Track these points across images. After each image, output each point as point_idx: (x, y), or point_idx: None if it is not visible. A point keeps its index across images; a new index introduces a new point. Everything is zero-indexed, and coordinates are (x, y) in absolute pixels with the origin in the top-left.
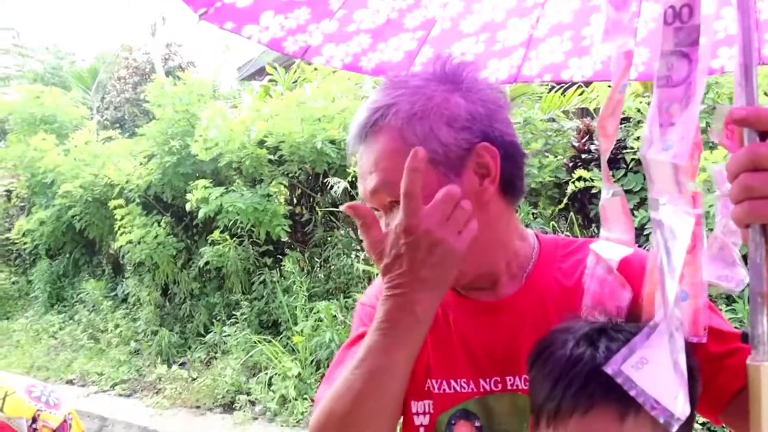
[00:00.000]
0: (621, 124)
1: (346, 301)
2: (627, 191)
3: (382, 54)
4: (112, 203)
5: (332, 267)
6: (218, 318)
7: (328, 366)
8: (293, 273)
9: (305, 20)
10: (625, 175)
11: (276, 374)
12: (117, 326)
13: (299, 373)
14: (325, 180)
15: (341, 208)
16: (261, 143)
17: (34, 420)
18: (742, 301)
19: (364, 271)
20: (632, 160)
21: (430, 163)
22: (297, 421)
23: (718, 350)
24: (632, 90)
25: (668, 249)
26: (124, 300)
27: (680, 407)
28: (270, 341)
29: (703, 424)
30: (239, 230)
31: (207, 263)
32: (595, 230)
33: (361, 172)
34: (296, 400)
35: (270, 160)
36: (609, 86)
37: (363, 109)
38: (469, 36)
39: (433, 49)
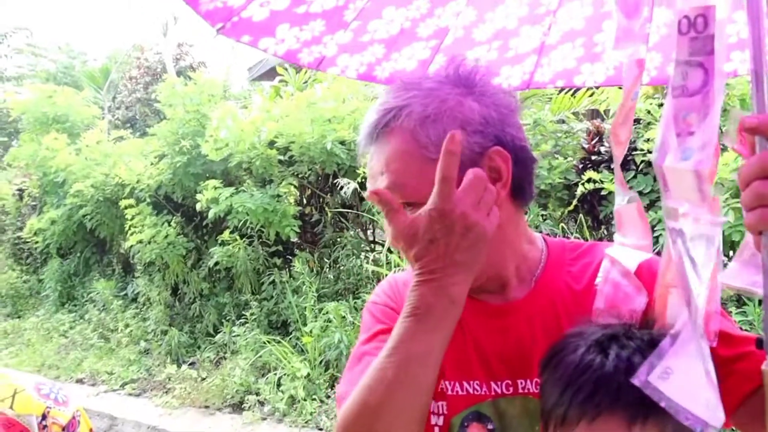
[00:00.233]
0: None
1: (355, 302)
2: (637, 193)
3: (396, 63)
4: (122, 203)
5: (341, 268)
6: (228, 318)
7: (337, 367)
8: (303, 273)
9: (320, 32)
10: (634, 176)
11: (285, 375)
12: (127, 326)
13: (308, 374)
14: (335, 181)
15: (365, 195)
16: (271, 144)
17: (44, 417)
18: (752, 303)
19: (373, 272)
20: (642, 162)
21: None
22: (306, 422)
23: (727, 354)
24: (642, 92)
25: (693, 258)
26: (134, 299)
27: (712, 415)
28: (279, 342)
29: None
30: (249, 230)
31: (217, 263)
32: (605, 232)
33: (372, 173)
34: (305, 400)
35: (280, 161)
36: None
37: (374, 110)
38: (482, 44)
39: (446, 58)
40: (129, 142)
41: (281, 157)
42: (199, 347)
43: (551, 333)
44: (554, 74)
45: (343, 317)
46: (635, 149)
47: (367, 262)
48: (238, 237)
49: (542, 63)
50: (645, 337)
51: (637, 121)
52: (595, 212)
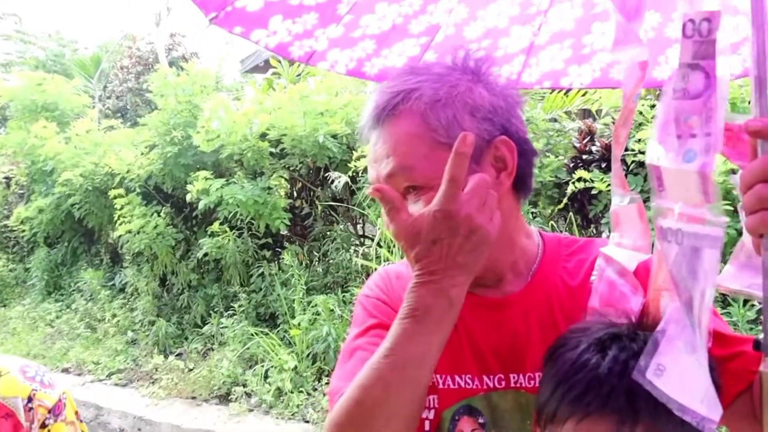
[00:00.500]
0: None
1: (344, 296)
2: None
3: (386, 60)
4: (112, 192)
5: (331, 261)
6: (216, 309)
7: (324, 360)
8: (292, 266)
9: (312, 25)
10: (625, 176)
11: (272, 367)
12: (114, 316)
13: (295, 366)
14: (326, 174)
15: (367, 191)
16: (263, 136)
17: (30, 399)
18: (737, 304)
19: (362, 266)
20: (633, 162)
21: (451, 150)
22: (292, 414)
23: (719, 353)
24: None
25: (699, 257)
26: (122, 290)
27: (710, 409)
28: (267, 334)
29: None
30: (239, 222)
31: (206, 255)
32: (594, 231)
33: (375, 157)
34: (292, 392)
35: (271, 153)
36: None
37: (380, 92)
38: (472, 42)
39: (436, 55)
40: (119, 132)
41: (273, 150)
42: (186, 338)
43: (546, 328)
44: (541, 75)
45: (332, 310)
46: (626, 149)
47: (357, 256)
48: (227, 229)
49: (530, 63)
50: (649, 338)
51: None
52: (584, 211)
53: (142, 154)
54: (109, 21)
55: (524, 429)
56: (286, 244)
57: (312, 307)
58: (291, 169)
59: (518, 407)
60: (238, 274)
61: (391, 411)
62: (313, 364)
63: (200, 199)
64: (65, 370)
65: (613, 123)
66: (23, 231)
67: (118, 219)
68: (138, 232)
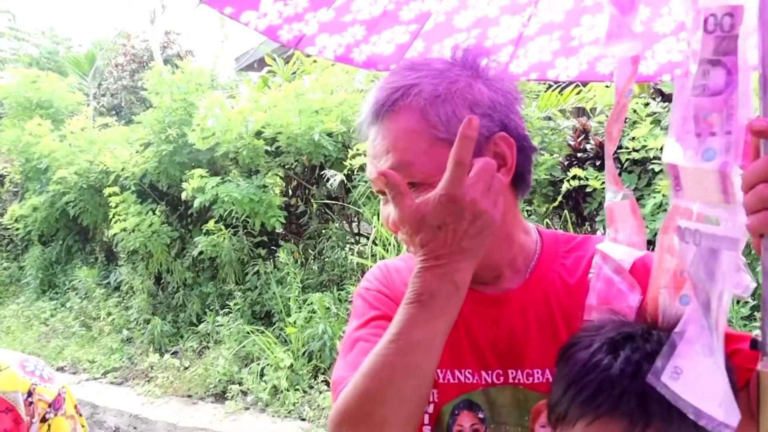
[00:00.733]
0: None
1: (339, 293)
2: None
3: (374, 47)
4: (107, 190)
5: (326, 259)
6: (211, 308)
7: (320, 357)
8: (287, 264)
9: (303, 8)
10: (619, 174)
11: (268, 365)
12: (109, 314)
13: (291, 364)
14: (322, 172)
15: (371, 177)
16: (258, 134)
17: (30, 394)
18: (732, 302)
19: (358, 263)
20: (627, 159)
21: (451, 146)
22: (288, 412)
23: None
24: None
25: (717, 258)
26: (117, 288)
27: (727, 414)
28: (263, 332)
29: None
30: (234, 220)
31: (201, 253)
32: (589, 228)
33: (374, 153)
34: (288, 390)
35: (267, 151)
36: (606, 86)
37: (379, 88)
38: (461, 31)
39: (425, 43)
40: (114, 130)
41: (268, 148)
42: (182, 336)
43: (544, 325)
44: (529, 66)
45: (328, 308)
46: (621, 147)
47: (352, 254)
48: (223, 227)
49: (518, 54)
50: (663, 339)
51: None
52: (579, 209)
53: (137, 152)
54: (104, 18)
55: (522, 425)
56: (282, 243)
57: (308, 305)
58: (286, 167)
59: (516, 403)
60: (234, 273)
61: (398, 397)
62: (309, 362)
63: (195, 197)
64: (60, 369)
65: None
66: (17, 229)
67: (113, 217)
68: (133, 230)
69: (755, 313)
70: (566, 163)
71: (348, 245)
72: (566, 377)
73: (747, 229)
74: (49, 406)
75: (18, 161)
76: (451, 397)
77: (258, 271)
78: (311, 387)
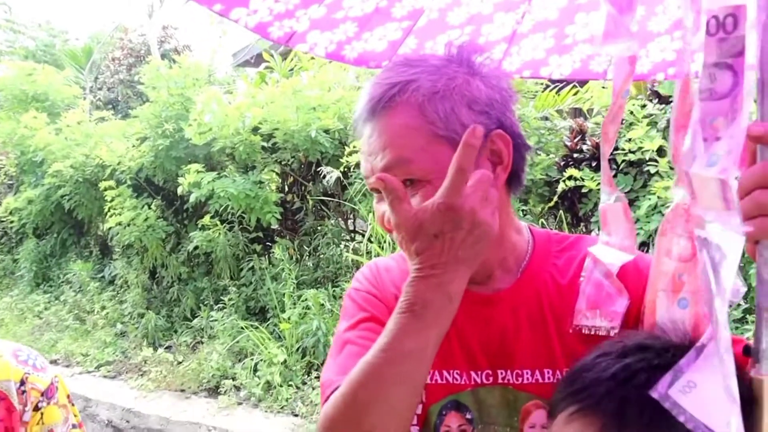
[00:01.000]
0: None
1: (334, 290)
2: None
3: (366, 43)
4: (102, 184)
5: (321, 256)
6: (206, 303)
7: (314, 354)
8: (282, 260)
9: (294, 5)
10: (615, 176)
11: (262, 360)
12: (103, 308)
13: (285, 360)
14: (318, 169)
15: (370, 180)
16: (255, 130)
17: (22, 383)
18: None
19: (353, 261)
20: (623, 161)
21: (450, 143)
22: (281, 407)
23: None
24: None
25: (717, 268)
26: (111, 282)
27: None
28: (257, 327)
29: None
30: (230, 216)
31: (196, 248)
32: (584, 229)
33: (370, 150)
34: (281, 386)
35: (263, 147)
36: (603, 87)
37: (375, 84)
38: (454, 28)
39: (417, 40)
40: (111, 124)
41: (265, 144)
42: (176, 331)
43: (535, 325)
44: (522, 64)
45: (322, 305)
46: (617, 149)
47: (347, 251)
48: (218, 222)
49: (511, 52)
50: (678, 356)
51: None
52: (575, 209)
53: (134, 146)
54: (101, 12)
55: (511, 425)
56: (277, 239)
57: (302, 301)
58: (283, 163)
59: (505, 403)
60: (229, 268)
61: (387, 406)
62: (302, 358)
63: (191, 192)
64: (54, 362)
65: None
66: (12, 222)
67: (109, 211)
68: (128, 225)
69: (747, 316)
70: (562, 163)
71: (343, 242)
72: (567, 374)
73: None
74: (42, 395)
75: (13, 154)
76: (439, 398)
77: (253, 267)
78: (304, 383)
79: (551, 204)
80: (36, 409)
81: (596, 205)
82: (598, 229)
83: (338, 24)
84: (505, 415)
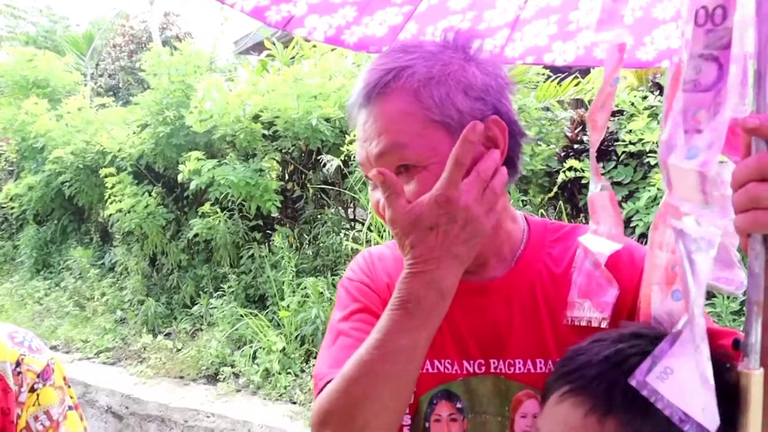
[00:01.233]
0: (614, 116)
1: (333, 279)
2: (617, 183)
3: (366, 28)
4: (103, 171)
5: (321, 244)
6: (205, 290)
7: (313, 342)
8: (282, 248)
9: None
10: (615, 167)
11: (261, 348)
12: (103, 294)
13: (284, 348)
14: (319, 157)
15: (370, 174)
16: (256, 118)
17: (18, 364)
18: (721, 297)
19: (352, 249)
20: (623, 152)
21: (445, 129)
22: (280, 395)
23: None
24: (627, 83)
25: (692, 259)
26: (112, 269)
27: (708, 419)
28: (256, 315)
29: None
30: (230, 204)
31: (196, 235)
32: (584, 219)
33: (365, 136)
34: (280, 374)
35: (264, 135)
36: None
37: (370, 70)
38: (456, 13)
39: (418, 25)
40: (111, 111)
41: (265, 132)
42: (175, 318)
43: (528, 314)
44: (525, 50)
45: (321, 293)
46: (617, 140)
47: (347, 240)
48: (218, 210)
49: (514, 38)
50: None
51: (620, 112)
52: (574, 200)
53: (134, 133)
54: None
55: (503, 414)
56: (277, 227)
57: (301, 289)
58: (283, 151)
59: (497, 392)
60: (228, 256)
61: (380, 402)
62: (301, 346)
63: (192, 179)
64: (53, 348)
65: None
66: (12, 208)
67: (109, 198)
68: (128, 212)
69: (744, 308)
70: (563, 154)
71: (343, 231)
72: (562, 357)
73: (735, 228)
74: (38, 376)
75: (14, 140)
76: (430, 387)
77: (252, 255)
78: (303, 371)
79: (551, 195)
80: (32, 390)
81: None
82: None
83: (337, 8)
84: (496, 404)
